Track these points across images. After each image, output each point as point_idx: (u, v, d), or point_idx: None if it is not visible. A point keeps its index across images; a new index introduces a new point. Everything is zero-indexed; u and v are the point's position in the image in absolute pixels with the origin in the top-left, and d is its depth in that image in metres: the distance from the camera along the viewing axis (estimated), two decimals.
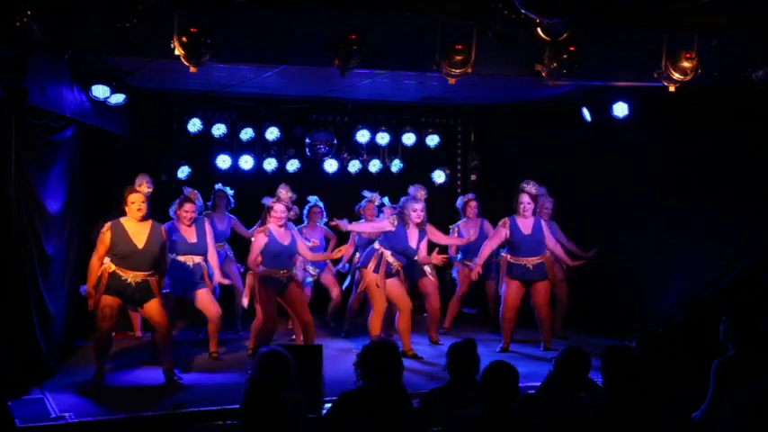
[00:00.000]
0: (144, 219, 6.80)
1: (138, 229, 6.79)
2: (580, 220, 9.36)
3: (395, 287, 7.91)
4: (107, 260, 6.74)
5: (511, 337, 8.39)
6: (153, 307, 6.86)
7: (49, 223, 6.98)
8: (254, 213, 8.30)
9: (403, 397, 4.35)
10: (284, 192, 7.77)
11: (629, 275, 9.04)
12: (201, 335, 8.33)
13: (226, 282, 8.16)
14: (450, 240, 8.87)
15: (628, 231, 9.03)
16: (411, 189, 8.37)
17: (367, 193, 9.09)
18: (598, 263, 8.73)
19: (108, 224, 6.76)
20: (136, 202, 6.77)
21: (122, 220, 6.78)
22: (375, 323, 7.87)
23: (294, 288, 7.61)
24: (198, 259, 7.69)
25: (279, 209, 7.51)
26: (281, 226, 7.51)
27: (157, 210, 7.41)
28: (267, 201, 7.69)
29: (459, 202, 9.58)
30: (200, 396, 6.56)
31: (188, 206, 7.70)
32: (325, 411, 5.05)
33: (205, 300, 7.63)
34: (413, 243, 7.88)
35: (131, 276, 6.74)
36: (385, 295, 7.87)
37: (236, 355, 8.01)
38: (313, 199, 9.32)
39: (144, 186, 7.08)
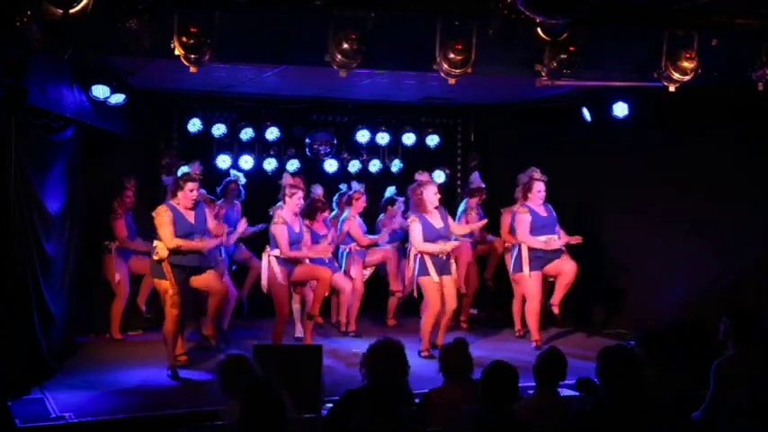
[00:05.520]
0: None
1: (188, 213, 7.04)
2: (580, 220, 9.35)
3: (448, 285, 7.87)
4: (160, 246, 6.87)
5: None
6: (210, 276, 7.13)
7: (50, 223, 6.98)
8: (253, 213, 8.30)
9: (406, 397, 4.34)
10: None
11: (629, 275, 9.04)
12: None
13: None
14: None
15: (628, 231, 9.02)
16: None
17: (355, 184, 9.17)
18: (599, 263, 8.71)
19: (163, 206, 6.95)
20: (194, 190, 7.01)
21: (174, 202, 7.01)
22: (428, 323, 7.86)
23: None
24: None
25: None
26: (296, 214, 7.69)
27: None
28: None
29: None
30: (199, 396, 6.56)
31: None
32: (324, 412, 5.05)
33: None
34: (440, 223, 7.88)
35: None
36: (441, 295, 7.80)
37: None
38: (320, 190, 9.08)
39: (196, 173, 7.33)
